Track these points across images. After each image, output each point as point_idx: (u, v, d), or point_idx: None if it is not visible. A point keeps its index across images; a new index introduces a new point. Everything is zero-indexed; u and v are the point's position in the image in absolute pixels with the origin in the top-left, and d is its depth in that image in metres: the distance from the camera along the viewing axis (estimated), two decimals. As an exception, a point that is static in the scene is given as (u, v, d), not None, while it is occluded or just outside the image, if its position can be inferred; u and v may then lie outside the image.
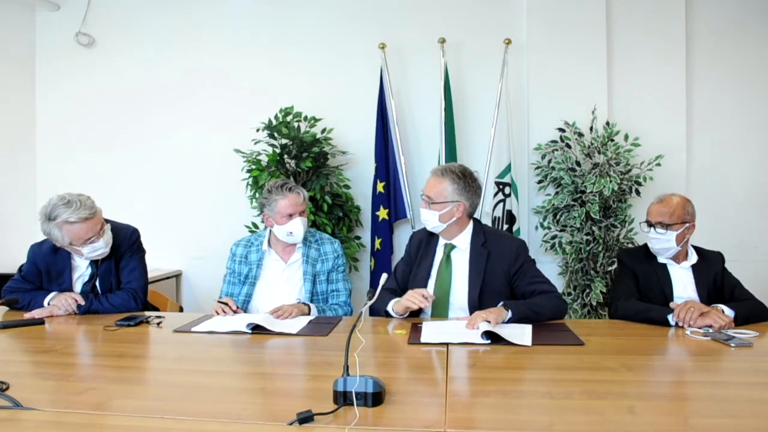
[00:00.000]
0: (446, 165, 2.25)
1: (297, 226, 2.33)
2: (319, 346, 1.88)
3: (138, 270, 2.40)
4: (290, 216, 2.33)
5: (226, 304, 2.20)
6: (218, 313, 2.17)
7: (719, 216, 3.65)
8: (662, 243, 2.23)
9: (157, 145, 4.09)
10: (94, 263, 2.35)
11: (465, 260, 2.23)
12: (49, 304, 2.23)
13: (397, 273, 2.38)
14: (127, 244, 2.39)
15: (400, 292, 2.27)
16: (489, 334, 1.80)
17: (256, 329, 1.97)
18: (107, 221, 2.36)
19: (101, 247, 2.25)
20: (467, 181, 2.19)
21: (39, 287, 2.33)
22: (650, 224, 2.26)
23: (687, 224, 2.22)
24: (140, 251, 2.46)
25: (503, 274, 2.18)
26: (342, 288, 2.45)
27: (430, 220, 2.20)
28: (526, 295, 2.15)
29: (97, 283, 2.36)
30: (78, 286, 2.35)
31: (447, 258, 2.24)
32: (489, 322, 1.84)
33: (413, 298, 2.05)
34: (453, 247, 2.25)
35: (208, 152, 4.00)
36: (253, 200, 3.58)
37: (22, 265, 2.41)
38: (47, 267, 2.33)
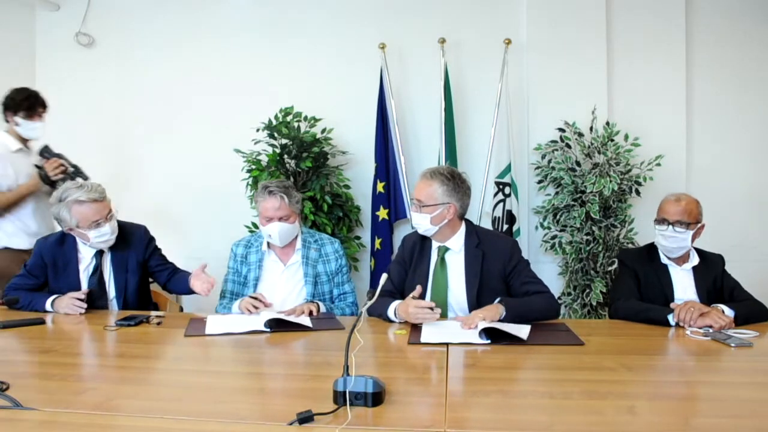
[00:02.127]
0: (434, 167, 2.23)
1: (273, 231, 2.30)
2: (319, 346, 1.88)
3: (164, 258, 2.57)
4: (269, 219, 2.30)
5: (256, 298, 2.18)
6: (250, 311, 2.14)
7: (719, 216, 3.62)
8: (679, 242, 2.23)
9: (157, 144, 4.08)
10: (97, 255, 2.35)
11: (460, 262, 2.22)
12: (53, 307, 2.22)
13: (391, 275, 2.32)
14: (145, 242, 2.47)
15: (397, 294, 2.26)
16: (488, 334, 1.80)
17: (274, 328, 1.97)
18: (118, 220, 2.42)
19: (108, 233, 2.27)
20: (456, 182, 2.18)
21: (44, 282, 2.35)
22: (668, 222, 2.25)
23: (699, 224, 2.25)
24: (155, 242, 2.56)
25: (499, 274, 2.18)
26: (348, 290, 2.45)
27: (421, 223, 2.19)
28: (520, 296, 2.15)
29: (113, 280, 2.37)
30: (84, 278, 2.36)
31: (441, 261, 2.23)
32: (485, 320, 1.85)
33: (423, 316, 1.97)
34: (446, 249, 2.24)
35: (208, 152, 3.99)
36: (253, 200, 3.58)
37: (26, 261, 2.42)
38: (53, 259, 2.34)
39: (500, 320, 1.94)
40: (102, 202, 2.25)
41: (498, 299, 2.05)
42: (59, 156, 2.84)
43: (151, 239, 2.51)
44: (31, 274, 2.35)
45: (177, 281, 2.47)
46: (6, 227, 2.87)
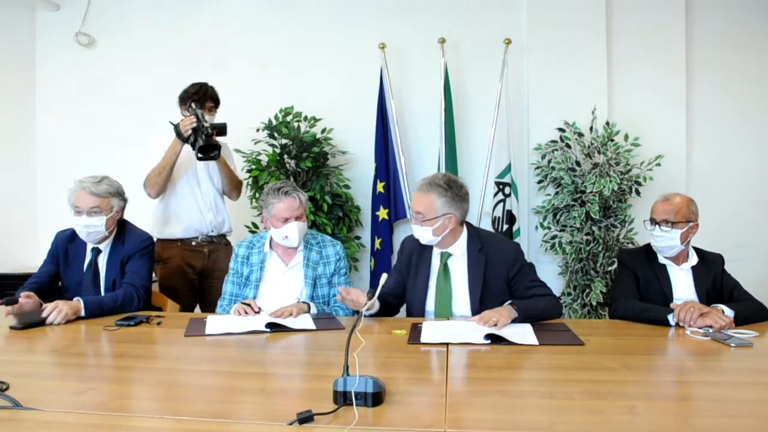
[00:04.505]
0: (431, 178, 2.18)
1: (292, 231, 2.31)
2: (319, 346, 1.88)
3: (142, 272, 2.41)
4: (286, 220, 2.31)
5: (249, 305, 2.17)
6: (240, 314, 2.13)
7: (719, 216, 3.63)
8: (666, 241, 2.22)
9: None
10: (94, 251, 2.40)
11: (463, 267, 2.21)
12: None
13: (389, 280, 2.36)
14: (137, 247, 2.43)
15: (391, 298, 2.29)
16: (489, 334, 1.80)
17: (275, 327, 1.98)
18: (128, 223, 2.50)
19: (81, 223, 2.30)
20: (454, 191, 2.14)
21: (57, 272, 2.43)
22: (655, 222, 2.25)
23: (691, 223, 2.23)
24: (149, 257, 2.48)
25: (502, 279, 2.18)
26: None
27: (423, 235, 2.17)
28: (525, 299, 2.15)
29: (104, 279, 2.39)
30: (88, 274, 2.41)
31: (444, 267, 2.22)
32: (496, 325, 1.85)
33: (352, 298, 2.09)
34: (449, 255, 2.23)
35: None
36: (253, 200, 3.58)
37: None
38: (65, 252, 2.42)
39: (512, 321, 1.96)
40: (95, 197, 2.29)
41: (509, 301, 2.06)
42: (196, 114, 2.75)
43: (145, 248, 2.45)
44: (50, 260, 2.45)
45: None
46: (156, 217, 2.97)
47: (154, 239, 2.95)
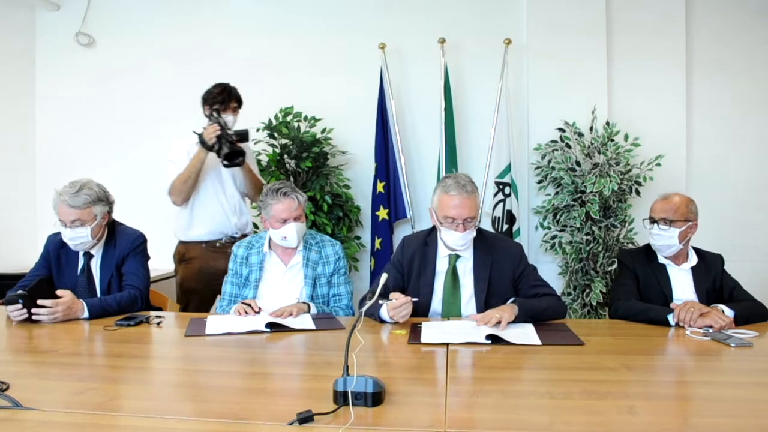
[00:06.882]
0: (463, 180, 2.15)
1: (290, 231, 2.31)
2: (319, 346, 1.88)
3: (141, 271, 2.40)
4: (284, 221, 2.31)
5: (249, 305, 2.16)
6: (240, 314, 2.12)
7: (719, 216, 3.64)
8: (665, 239, 2.22)
9: (157, 145, 4.07)
10: (86, 255, 2.37)
11: (469, 269, 2.21)
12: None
13: (390, 278, 2.35)
14: (130, 247, 2.40)
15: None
16: (491, 334, 1.80)
17: (275, 328, 1.98)
18: (119, 224, 2.44)
19: (69, 236, 2.25)
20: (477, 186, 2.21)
21: (50, 274, 2.38)
22: (654, 220, 2.26)
23: (690, 223, 2.23)
24: (143, 255, 2.46)
25: (508, 279, 2.19)
26: (344, 291, 2.44)
27: (469, 238, 2.15)
28: (528, 298, 2.15)
29: (99, 282, 2.37)
30: (82, 279, 2.38)
31: (453, 270, 2.21)
32: (499, 323, 1.85)
33: (404, 312, 2.00)
34: (458, 257, 2.22)
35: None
36: (254, 202, 3.58)
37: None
38: (57, 255, 2.38)
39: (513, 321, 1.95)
40: (72, 209, 2.21)
41: (511, 299, 2.06)
42: (218, 121, 2.74)
43: (138, 247, 2.42)
44: (41, 266, 2.41)
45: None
46: (181, 221, 2.95)
47: (177, 241, 2.99)
